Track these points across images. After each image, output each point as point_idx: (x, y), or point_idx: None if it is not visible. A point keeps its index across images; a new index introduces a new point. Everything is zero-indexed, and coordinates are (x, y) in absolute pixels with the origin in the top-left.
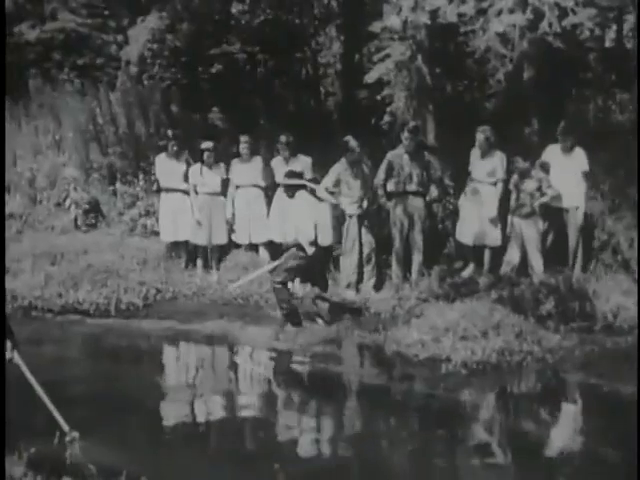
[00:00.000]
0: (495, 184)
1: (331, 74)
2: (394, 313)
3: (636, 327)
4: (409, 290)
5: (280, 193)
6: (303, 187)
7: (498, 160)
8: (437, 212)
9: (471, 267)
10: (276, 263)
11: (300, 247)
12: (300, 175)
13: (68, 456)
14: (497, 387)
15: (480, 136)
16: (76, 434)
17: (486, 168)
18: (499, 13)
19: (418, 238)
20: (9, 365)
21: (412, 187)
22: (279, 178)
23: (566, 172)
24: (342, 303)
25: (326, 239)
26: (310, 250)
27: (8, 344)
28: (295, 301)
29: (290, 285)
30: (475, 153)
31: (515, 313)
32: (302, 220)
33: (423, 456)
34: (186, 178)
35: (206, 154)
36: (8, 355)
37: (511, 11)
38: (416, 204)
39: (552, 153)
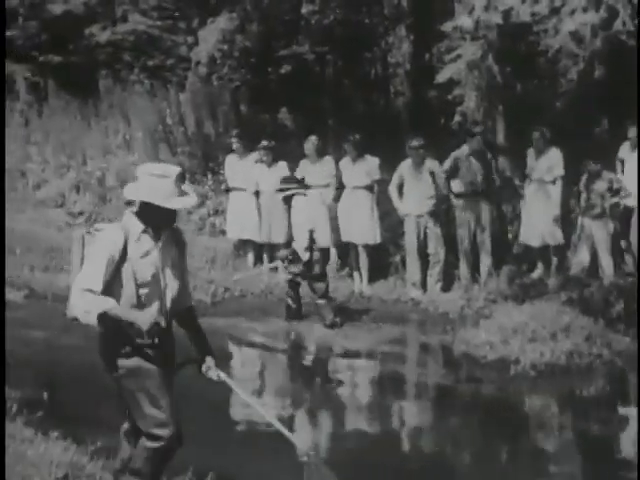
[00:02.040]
0: (554, 182)
1: (400, 74)
2: (462, 314)
3: None
4: (477, 291)
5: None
6: (299, 192)
7: (554, 157)
8: (506, 213)
9: (540, 268)
10: (275, 264)
11: (296, 254)
12: (296, 180)
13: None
14: (565, 390)
15: (535, 134)
16: (312, 453)
17: (544, 167)
18: (573, 12)
19: (486, 238)
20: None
21: (478, 187)
22: (346, 179)
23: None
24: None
25: (324, 241)
26: (305, 256)
27: (211, 361)
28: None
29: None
30: (531, 153)
31: (584, 315)
32: (296, 227)
33: (491, 458)
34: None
35: (262, 152)
36: (213, 374)
37: (584, 10)
38: (484, 204)
39: (625, 150)
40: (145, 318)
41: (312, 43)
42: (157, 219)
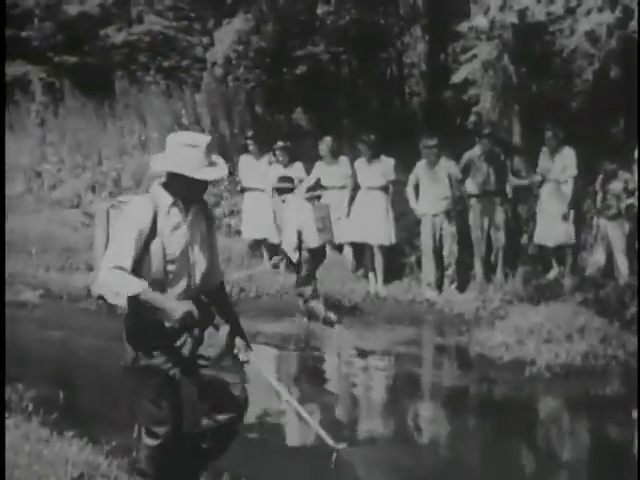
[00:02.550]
0: (566, 181)
1: (416, 74)
2: (478, 314)
3: None
4: (493, 292)
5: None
6: (292, 191)
7: (568, 156)
8: (521, 213)
9: (556, 269)
10: (272, 262)
11: (286, 254)
12: (291, 180)
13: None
14: (581, 391)
15: (547, 134)
16: (343, 446)
17: (558, 166)
18: (588, 12)
19: (501, 238)
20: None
21: (491, 187)
22: (361, 179)
23: None
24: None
25: (312, 241)
26: (294, 256)
27: (241, 343)
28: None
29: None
30: (545, 152)
31: (600, 316)
32: (285, 227)
33: (505, 459)
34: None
35: (278, 153)
36: (242, 356)
37: (600, 9)
38: (498, 205)
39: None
40: (178, 306)
41: (327, 43)
42: (186, 191)
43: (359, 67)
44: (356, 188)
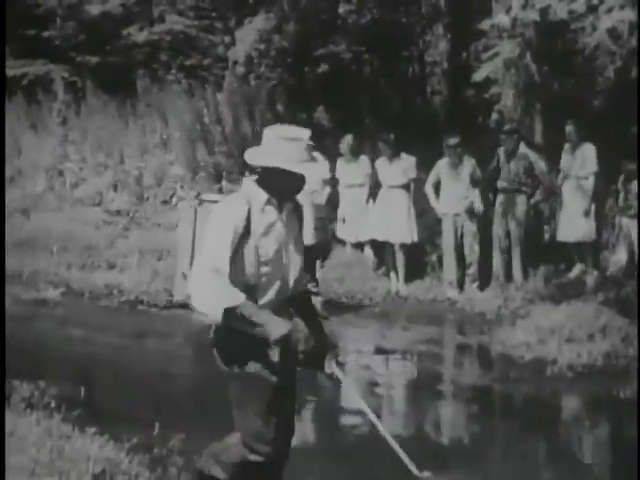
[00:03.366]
0: (587, 178)
1: (437, 73)
2: (499, 313)
3: None
4: (514, 290)
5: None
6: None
7: (588, 152)
8: (543, 211)
9: (578, 268)
10: None
11: None
12: None
13: None
14: (602, 391)
15: (568, 128)
16: (428, 475)
17: (578, 162)
18: (610, 9)
19: (521, 236)
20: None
21: (514, 185)
22: (382, 178)
23: None
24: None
25: (308, 239)
26: None
27: (328, 356)
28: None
29: None
30: (567, 149)
31: (621, 316)
32: None
33: (526, 459)
34: None
35: None
36: (328, 370)
37: (622, 7)
38: (519, 202)
39: None
40: (277, 327)
41: (349, 42)
42: (283, 188)
43: (381, 66)
44: (376, 187)
